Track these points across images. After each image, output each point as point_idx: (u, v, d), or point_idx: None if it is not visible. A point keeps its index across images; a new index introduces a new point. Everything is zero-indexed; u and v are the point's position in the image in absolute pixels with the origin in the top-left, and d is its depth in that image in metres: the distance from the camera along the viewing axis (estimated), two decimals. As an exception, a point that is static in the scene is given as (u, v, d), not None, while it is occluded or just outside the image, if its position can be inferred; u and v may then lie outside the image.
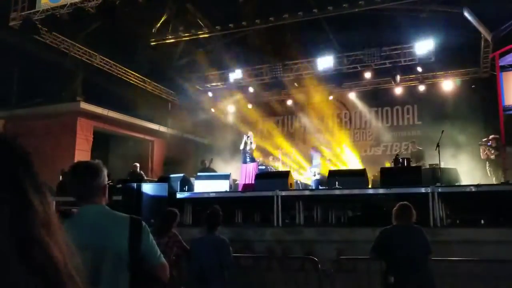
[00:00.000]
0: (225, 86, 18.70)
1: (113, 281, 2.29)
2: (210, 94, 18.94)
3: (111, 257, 2.29)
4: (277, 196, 8.86)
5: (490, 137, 11.91)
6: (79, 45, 14.82)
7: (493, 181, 11.36)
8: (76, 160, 14.26)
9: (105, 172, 2.53)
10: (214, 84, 18.66)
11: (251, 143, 12.43)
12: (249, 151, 12.46)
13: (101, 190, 2.48)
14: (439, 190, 7.95)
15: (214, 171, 14.81)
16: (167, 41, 16.00)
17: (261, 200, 9.48)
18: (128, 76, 17.08)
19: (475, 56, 15.54)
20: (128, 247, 2.33)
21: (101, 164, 2.53)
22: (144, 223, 2.46)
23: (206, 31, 15.64)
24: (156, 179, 12.45)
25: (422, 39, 14.64)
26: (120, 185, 9.40)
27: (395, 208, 4.85)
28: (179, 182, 10.38)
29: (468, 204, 8.57)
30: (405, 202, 4.91)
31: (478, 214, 8.50)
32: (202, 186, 10.57)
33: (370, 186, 10.38)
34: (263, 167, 14.77)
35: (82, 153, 14.82)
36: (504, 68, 11.40)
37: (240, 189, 11.89)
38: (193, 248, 5.18)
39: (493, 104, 11.67)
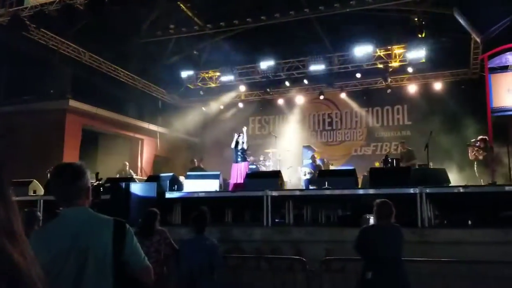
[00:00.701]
0: (216, 84, 18.66)
1: (96, 284, 2.26)
2: (201, 92, 18.88)
3: (94, 260, 2.25)
4: (267, 196, 8.84)
5: (478, 138, 11.98)
6: (68, 42, 14.70)
7: (481, 182, 11.43)
8: (65, 158, 14.16)
9: (89, 174, 2.48)
10: (205, 82, 18.61)
11: (243, 142, 12.35)
12: (241, 150, 12.38)
13: (84, 192, 2.43)
14: (427, 190, 7.97)
15: (204, 170, 14.76)
16: (158, 38, 15.93)
17: (251, 200, 9.45)
18: (117, 74, 16.97)
19: (465, 58, 15.64)
20: (112, 250, 2.30)
21: (84, 165, 2.48)
22: (128, 226, 2.43)
23: (197, 30, 15.58)
24: (145, 178, 12.37)
25: (413, 40, 14.69)
26: (108, 184, 9.32)
27: (375, 207, 4.86)
28: (168, 182, 10.32)
29: (456, 204, 8.61)
30: (384, 200, 4.91)
31: (465, 214, 8.53)
32: (192, 186, 10.51)
33: (360, 186, 10.41)
34: (254, 167, 14.76)
35: (70, 151, 14.69)
36: (493, 70, 11.47)
37: (230, 188, 11.86)
38: (182, 250, 5.16)
39: (482, 105, 11.74)
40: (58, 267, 2.20)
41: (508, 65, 11.49)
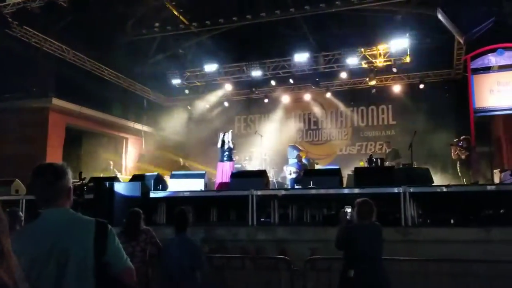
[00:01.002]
0: (201, 83, 18.60)
1: (77, 286, 2.24)
2: (186, 91, 18.79)
3: (75, 262, 2.23)
4: (252, 196, 8.84)
5: (461, 137, 12.14)
6: (51, 40, 14.51)
7: (463, 181, 11.59)
8: (48, 157, 14.00)
9: (70, 174, 2.45)
10: (190, 81, 18.54)
11: (229, 141, 12.33)
12: (227, 150, 12.36)
13: (65, 193, 2.40)
14: (411, 190, 8.04)
15: (189, 169, 14.73)
16: (143, 37, 15.83)
17: (237, 199, 9.45)
18: (102, 72, 16.82)
19: (449, 58, 15.82)
20: (93, 251, 2.27)
21: (65, 165, 2.46)
22: (110, 227, 2.40)
23: (182, 28, 15.51)
24: (130, 178, 12.28)
25: (398, 41, 14.82)
26: (92, 184, 9.23)
27: (356, 206, 4.90)
28: (153, 181, 10.26)
29: (439, 204, 8.70)
30: (365, 199, 4.96)
31: (448, 214, 8.63)
32: (177, 185, 10.47)
33: (345, 185, 10.47)
34: (239, 166, 14.75)
35: (54, 150, 14.52)
36: (475, 71, 11.62)
37: (216, 187, 11.84)
38: (163, 249, 5.14)
39: (465, 105, 11.90)
40: (38, 268, 2.18)
41: (490, 66, 11.65)
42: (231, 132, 12.60)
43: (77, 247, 2.25)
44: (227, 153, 12.34)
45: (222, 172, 12.12)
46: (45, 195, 2.37)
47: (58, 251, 2.21)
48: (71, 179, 2.47)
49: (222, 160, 12.32)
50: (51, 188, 2.35)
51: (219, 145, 12.45)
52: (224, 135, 12.42)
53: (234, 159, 12.81)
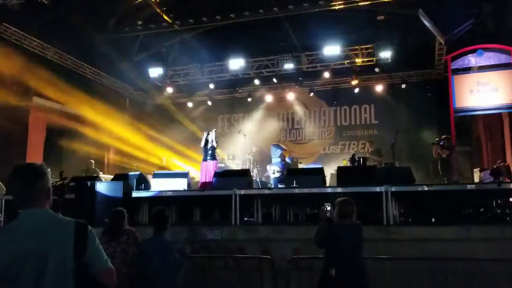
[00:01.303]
0: (185, 82, 18.51)
1: (57, 287, 2.22)
2: (169, 89, 18.68)
3: (54, 263, 2.21)
4: (236, 195, 8.84)
5: (443, 137, 12.28)
6: (31, 37, 14.27)
7: (444, 180, 11.73)
8: (28, 156, 13.80)
9: (49, 174, 2.42)
10: (173, 80, 18.43)
11: (212, 140, 12.29)
12: (210, 149, 12.32)
13: (44, 194, 2.37)
14: (393, 189, 8.12)
15: (171, 169, 14.66)
16: (125, 35, 15.69)
17: (220, 199, 9.44)
18: (83, 70, 16.61)
19: (430, 59, 16.00)
20: (73, 253, 2.25)
21: (44, 166, 2.43)
22: (90, 228, 2.38)
23: (166, 26, 15.42)
24: (112, 177, 12.17)
25: (380, 40, 14.93)
26: (73, 183, 9.12)
27: (336, 205, 4.93)
28: (135, 180, 10.18)
29: (421, 203, 8.81)
30: (346, 198, 4.99)
31: (429, 212, 8.74)
32: (160, 185, 10.42)
33: (328, 184, 10.53)
34: (223, 165, 14.73)
35: (34, 149, 14.32)
36: (456, 71, 11.76)
37: (199, 187, 11.80)
38: (141, 249, 5.12)
39: (446, 105, 12.05)
40: (16, 270, 2.16)
41: (470, 67, 11.81)
42: (215, 131, 12.57)
43: (56, 248, 2.23)
44: (210, 152, 12.30)
45: (206, 172, 12.08)
46: (23, 196, 2.34)
47: (36, 252, 2.19)
48: (51, 180, 2.44)
49: (205, 159, 12.28)
50: (30, 189, 2.33)
51: (202, 144, 12.41)
52: (207, 134, 12.38)
53: (217, 158, 12.78)
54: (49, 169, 2.44)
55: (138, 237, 5.67)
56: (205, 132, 12.52)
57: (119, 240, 5.52)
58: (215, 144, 12.30)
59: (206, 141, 12.32)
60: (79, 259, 2.26)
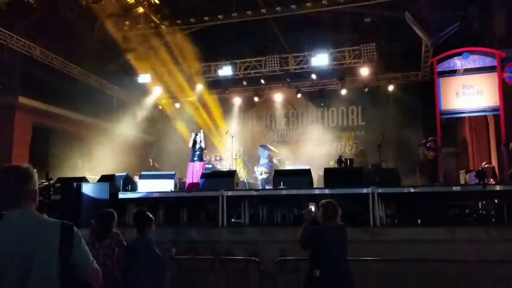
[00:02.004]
0: (172, 82, 18.41)
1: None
2: (157, 90, 18.58)
3: (40, 264, 2.21)
4: (223, 196, 8.82)
5: (429, 138, 12.40)
6: (18, 37, 14.11)
7: (430, 182, 11.84)
8: (13, 157, 13.66)
9: (36, 176, 2.42)
10: (161, 80, 18.33)
11: (200, 141, 12.26)
12: (198, 150, 12.28)
13: (30, 196, 2.38)
14: (379, 190, 8.17)
15: (159, 169, 14.58)
16: (113, 35, 15.58)
17: (207, 200, 9.42)
18: (70, 70, 16.45)
19: (417, 61, 16.13)
20: (59, 253, 2.26)
21: (31, 168, 2.42)
22: (76, 229, 2.39)
23: (153, 27, 15.35)
24: (98, 178, 12.08)
25: (366, 42, 15.00)
26: (59, 184, 9.04)
27: (321, 207, 4.95)
28: (122, 182, 10.12)
29: (407, 204, 8.87)
30: (330, 200, 5.01)
31: (415, 214, 8.80)
32: (146, 186, 10.36)
33: (315, 186, 10.55)
34: (210, 166, 14.68)
35: (20, 149, 14.16)
36: (442, 74, 11.85)
37: (186, 188, 11.76)
38: (125, 250, 5.09)
39: (432, 107, 12.16)
40: (1, 271, 2.15)
41: (456, 69, 11.91)
42: (203, 132, 12.55)
43: (42, 249, 2.23)
44: (198, 153, 12.27)
45: (193, 172, 12.04)
46: (9, 198, 2.33)
47: (21, 253, 2.19)
48: (37, 182, 2.43)
49: (192, 160, 12.24)
50: (16, 191, 2.33)
51: (190, 144, 12.37)
52: (195, 135, 12.36)
53: (204, 159, 12.74)
54: (35, 171, 2.42)
55: (122, 240, 5.61)
56: (193, 133, 12.49)
57: (103, 244, 5.47)
58: (203, 145, 12.27)
59: (194, 142, 12.29)
60: (64, 260, 2.27)
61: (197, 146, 12.26)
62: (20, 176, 2.35)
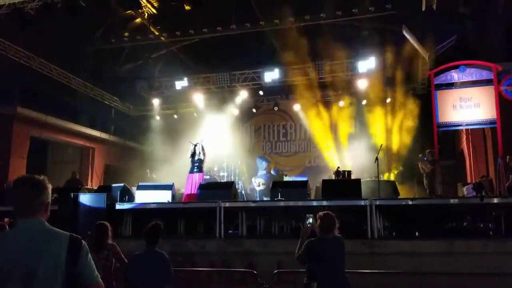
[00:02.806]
0: (171, 93, 18.46)
1: None
2: (155, 101, 18.61)
3: (46, 276, 2.22)
4: (220, 207, 8.81)
5: (426, 151, 12.42)
6: (16, 47, 14.17)
7: (428, 194, 11.84)
8: (11, 167, 13.63)
9: (50, 189, 2.45)
10: (159, 91, 18.38)
11: (199, 153, 12.22)
12: (197, 161, 12.24)
13: (43, 207, 2.40)
14: (377, 202, 8.17)
15: (156, 180, 14.55)
16: (112, 46, 15.65)
17: (204, 211, 9.39)
18: (69, 81, 16.49)
19: (414, 74, 16.19)
20: (65, 266, 2.27)
21: (46, 180, 2.46)
22: (83, 243, 2.41)
23: (152, 38, 15.42)
24: (95, 189, 12.05)
25: (364, 55, 15.08)
26: (56, 195, 9.01)
27: (318, 219, 4.94)
28: (119, 192, 10.10)
29: (405, 216, 8.86)
30: (327, 212, 5.00)
31: (413, 226, 8.80)
32: (144, 197, 10.33)
33: (313, 197, 10.53)
34: (208, 177, 14.66)
35: (17, 160, 14.14)
36: (439, 87, 11.93)
37: (184, 199, 11.72)
38: (132, 263, 5.04)
39: (430, 119, 12.21)
40: (4, 277, 2.18)
41: (453, 82, 11.99)
42: (202, 142, 12.49)
43: (49, 260, 2.25)
44: (197, 164, 12.23)
45: (192, 184, 12.00)
46: (24, 208, 2.36)
47: (28, 264, 2.21)
48: (50, 194, 2.46)
49: (192, 172, 12.20)
50: (31, 202, 2.35)
51: (189, 155, 12.33)
52: (195, 146, 12.30)
53: (203, 170, 12.69)
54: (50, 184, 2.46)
55: (119, 251, 5.57)
56: (192, 144, 12.44)
57: (100, 256, 5.43)
58: (202, 157, 12.21)
59: (193, 153, 12.25)
60: (70, 272, 2.28)
61: (196, 157, 12.21)
62: (36, 187, 2.38)
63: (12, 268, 2.19)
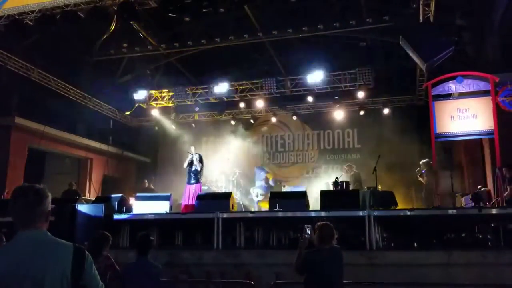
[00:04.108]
0: (169, 104, 18.50)
1: None
2: (153, 112, 18.64)
3: (51, 286, 2.22)
4: (218, 218, 8.78)
5: (421, 162, 12.46)
6: (15, 58, 14.21)
7: (426, 205, 11.85)
8: (8, 178, 13.59)
9: (49, 198, 2.45)
10: (157, 102, 18.42)
11: (196, 164, 12.20)
12: (194, 172, 12.23)
13: (44, 216, 2.40)
14: (375, 213, 8.17)
15: (154, 191, 14.53)
16: (110, 57, 15.70)
17: (202, 222, 9.36)
18: (67, 91, 16.52)
19: (412, 84, 16.29)
20: (71, 276, 2.27)
21: (46, 189, 2.46)
22: (87, 253, 2.42)
23: (151, 49, 15.48)
24: (93, 199, 12.03)
25: (362, 66, 15.14)
26: (53, 205, 8.96)
27: (317, 230, 4.93)
28: (117, 203, 10.08)
29: (403, 227, 8.84)
30: (326, 223, 4.99)
31: (412, 237, 8.77)
32: (141, 207, 10.31)
33: (311, 208, 10.50)
34: (206, 188, 14.65)
35: (15, 170, 14.10)
36: (436, 98, 11.97)
37: (181, 210, 11.70)
38: (125, 273, 5.03)
39: (427, 130, 12.24)
40: None
41: (450, 93, 12.04)
42: (199, 153, 12.49)
43: (53, 271, 2.24)
44: (194, 175, 12.22)
45: (189, 194, 11.99)
46: (24, 218, 2.35)
47: (33, 276, 2.20)
48: (51, 203, 2.46)
49: (189, 182, 12.20)
50: (32, 211, 2.35)
51: (185, 165, 12.32)
52: (192, 156, 12.29)
53: (200, 181, 12.67)
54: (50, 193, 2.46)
55: (113, 263, 5.54)
56: (189, 154, 12.43)
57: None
58: (198, 167, 12.19)
59: (190, 164, 12.24)
60: (75, 284, 2.28)
61: (193, 168, 12.20)
62: (38, 196, 2.38)
63: (18, 281, 2.17)
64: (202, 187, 14.06)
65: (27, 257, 2.23)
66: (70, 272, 2.26)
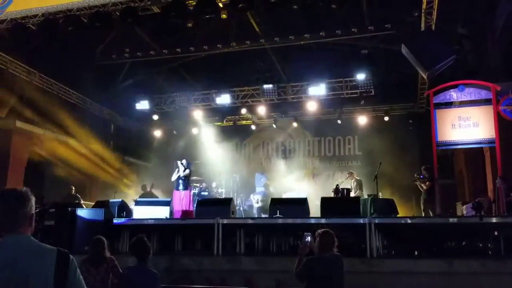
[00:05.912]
0: (170, 109, 18.52)
1: None
2: (155, 117, 18.64)
3: None
4: (218, 224, 8.76)
5: (422, 168, 12.43)
6: (17, 62, 14.24)
7: (427, 213, 11.82)
8: (9, 181, 13.58)
9: (33, 200, 2.38)
10: (159, 107, 18.44)
11: (184, 170, 12.29)
12: (181, 178, 12.31)
13: (27, 220, 2.33)
14: (376, 221, 8.14)
15: (155, 196, 14.51)
16: (112, 62, 15.73)
17: (202, 228, 9.34)
18: (69, 96, 16.54)
19: (413, 92, 16.30)
20: (53, 282, 2.21)
21: (29, 191, 2.39)
22: (71, 257, 2.34)
23: (153, 54, 15.51)
24: (93, 204, 11.99)
25: (364, 73, 15.16)
26: (53, 209, 8.97)
27: (317, 237, 4.91)
28: (117, 208, 10.05)
29: (404, 235, 8.82)
30: (326, 230, 4.97)
31: (412, 245, 8.74)
32: (141, 212, 10.29)
33: (312, 215, 10.48)
34: (206, 193, 14.63)
35: (15, 174, 14.09)
36: (438, 106, 11.96)
37: (178, 216, 11.65)
38: (123, 278, 5.00)
39: (429, 138, 12.23)
40: None
41: (452, 101, 12.02)
42: (186, 160, 12.57)
43: (37, 276, 2.18)
44: (181, 181, 12.28)
45: (179, 201, 12.03)
46: (5, 221, 2.28)
47: (16, 281, 2.14)
48: (34, 206, 2.40)
49: (177, 189, 12.28)
50: (13, 214, 2.28)
51: (173, 178, 12.38)
52: (180, 163, 12.41)
53: (189, 187, 12.73)
54: (33, 196, 2.40)
55: (117, 265, 5.57)
56: (178, 162, 12.56)
57: (99, 269, 5.43)
58: (181, 174, 12.26)
59: (178, 170, 12.35)
60: None
61: (181, 174, 12.29)
62: (18, 199, 2.31)
63: (1, 286, 2.12)
64: (202, 193, 14.09)
65: (11, 262, 2.17)
66: (52, 277, 2.20)
